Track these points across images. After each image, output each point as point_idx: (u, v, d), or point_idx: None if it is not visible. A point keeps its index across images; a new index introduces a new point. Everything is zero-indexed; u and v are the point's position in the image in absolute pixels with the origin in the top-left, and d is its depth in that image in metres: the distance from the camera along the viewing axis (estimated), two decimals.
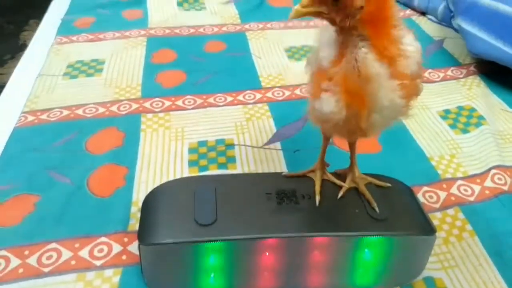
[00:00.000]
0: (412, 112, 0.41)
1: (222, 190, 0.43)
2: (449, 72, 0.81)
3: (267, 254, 0.40)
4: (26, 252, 0.46)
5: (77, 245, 0.47)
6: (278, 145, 0.62)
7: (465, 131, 0.66)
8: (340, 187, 0.45)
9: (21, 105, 0.69)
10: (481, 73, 0.80)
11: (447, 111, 0.70)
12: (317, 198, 0.43)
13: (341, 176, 0.47)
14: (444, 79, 0.79)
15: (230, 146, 0.62)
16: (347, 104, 0.35)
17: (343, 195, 0.44)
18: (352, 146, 0.47)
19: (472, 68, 0.82)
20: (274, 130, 0.65)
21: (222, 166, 0.58)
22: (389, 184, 0.46)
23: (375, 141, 0.64)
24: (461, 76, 0.80)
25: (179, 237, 0.39)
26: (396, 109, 0.37)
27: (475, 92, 0.75)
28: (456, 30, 0.91)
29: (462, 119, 0.68)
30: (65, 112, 0.67)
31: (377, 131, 0.40)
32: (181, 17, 0.99)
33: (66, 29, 0.92)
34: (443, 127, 0.67)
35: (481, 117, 0.68)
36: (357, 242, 0.40)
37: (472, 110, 0.70)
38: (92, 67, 0.79)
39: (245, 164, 0.59)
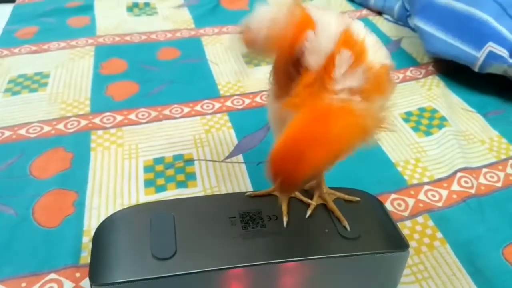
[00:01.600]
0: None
1: (181, 217, 0.40)
2: (408, 73, 0.80)
3: (235, 285, 0.36)
4: None
5: (23, 285, 0.42)
6: (240, 157, 0.59)
7: (428, 133, 0.65)
8: (308, 204, 0.42)
9: None
10: (440, 73, 0.80)
11: (408, 113, 0.69)
12: (284, 219, 0.40)
13: (309, 192, 0.44)
14: (403, 80, 0.78)
15: (189, 161, 0.58)
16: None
17: (311, 213, 0.41)
18: None
19: (430, 67, 0.82)
20: (236, 141, 0.62)
21: (181, 184, 0.55)
22: (358, 198, 0.43)
23: None
24: (420, 76, 0.79)
25: (135, 275, 0.35)
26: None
27: (435, 93, 0.74)
28: (413, 29, 0.91)
29: (424, 121, 0.68)
30: (7, 133, 0.61)
31: None
32: (131, 23, 0.94)
33: (7, 40, 0.86)
34: (406, 130, 0.66)
35: (443, 118, 0.68)
36: (330, 264, 0.38)
37: (434, 111, 0.70)
38: (36, 81, 0.73)
39: (206, 181, 0.55)
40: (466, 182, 0.56)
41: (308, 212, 0.41)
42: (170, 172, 0.56)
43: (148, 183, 0.54)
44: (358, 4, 1.06)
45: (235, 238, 0.38)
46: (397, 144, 0.63)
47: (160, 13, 0.99)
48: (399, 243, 0.40)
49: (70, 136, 0.61)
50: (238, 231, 0.39)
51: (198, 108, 0.68)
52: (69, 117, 0.65)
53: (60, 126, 0.63)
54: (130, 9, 1.00)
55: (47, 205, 0.51)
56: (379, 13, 1.02)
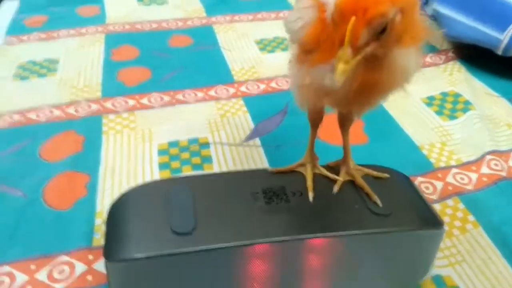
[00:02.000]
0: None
1: (200, 192, 0.37)
2: (427, 59, 0.78)
3: (259, 262, 0.34)
4: None
5: (33, 267, 0.40)
6: (257, 141, 0.57)
7: (452, 117, 0.63)
8: (335, 181, 0.40)
9: None
10: (461, 58, 0.77)
11: (431, 98, 0.67)
12: (310, 194, 0.37)
13: (334, 169, 0.42)
14: (423, 66, 0.76)
15: (205, 145, 0.56)
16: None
17: (339, 189, 0.39)
18: (345, 134, 0.42)
19: (450, 53, 0.79)
20: (252, 126, 0.60)
21: (197, 167, 0.52)
22: (387, 175, 0.41)
23: (360, 131, 0.60)
24: (440, 62, 0.77)
25: (153, 250, 0.32)
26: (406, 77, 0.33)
27: (456, 78, 0.72)
28: (430, 18, 0.88)
29: (448, 105, 0.65)
30: (16, 117, 0.59)
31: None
32: (141, 12, 0.92)
33: (17, 28, 0.84)
34: (429, 114, 0.63)
35: (467, 102, 0.65)
36: (361, 241, 0.35)
37: (457, 95, 0.67)
38: (44, 67, 0.71)
39: (222, 164, 0.53)
40: (496, 165, 0.53)
41: (335, 188, 0.39)
42: (185, 155, 0.54)
43: (163, 166, 0.52)
44: None
45: (259, 213, 0.36)
46: (421, 127, 0.61)
47: (171, 3, 0.97)
48: (433, 221, 0.37)
49: (81, 120, 0.59)
50: (261, 206, 0.36)
51: (212, 93, 0.66)
52: (80, 101, 0.63)
53: (71, 110, 0.61)
54: None
55: (58, 187, 0.49)
56: None
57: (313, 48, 0.32)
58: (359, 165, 0.42)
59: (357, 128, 0.60)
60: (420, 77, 0.70)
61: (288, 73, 0.38)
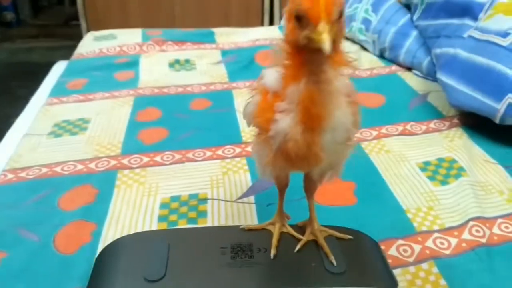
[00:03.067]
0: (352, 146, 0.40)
1: (176, 244, 0.42)
2: (431, 125, 0.81)
3: None
4: None
5: None
6: (252, 198, 0.62)
7: (444, 182, 0.65)
8: (299, 240, 0.43)
9: (4, 164, 0.70)
10: (464, 125, 0.80)
11: (426, 163, 0.69)
12: (272, 251, 0.41)
13: (302, 228, 0.45)
14: (426, 131, 0.79)
15: (203, 200, 0.61)
16: (302, 120, 0.35)
17: (301, 248, 0.42)
18: (310, 198, 0.46)
19: (455, 120, 0.82)
20: (250, 183, 0.65)
21: (192, 221, 0.57)
22: (350, 237, 0.44)
23: (350, 193, 0.63)
24: (444, 128, 0.80)
25: None
26: (345, 131, 0.37)
27: (456, 144, 0.74)
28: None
29: (442, 171, 0.67)
30: (44, 170, 0.68)
31: (328, 158, 0.38)
32: (171, 77, 1.02)
33: (59, 90, 0.96)
34: (421, 179, 0.66)
35: (461, 169, 0.67)
36: None
37: (453, 161, 0.69)
38: (77, 126, 0.81)
39: (215, 219, 0.58)
40: (477, 231, 0.55)
41: (298, 247, 0.42)
42: (184, 209, 0.60)
43: (162, 219, 0.58)
44: (388, 60, 1.09)
45: (223, 267, 0.40)
46: (411, 191, 0.63)
47: (198, 69, 1.07)
48: (387, 281, 0.40)
49: (98, 174, 0.67)
50: (227, 261, 0.40)
51: (219, 152, 0.72)
52: (101, 157, 0.71)
53: (92, 165, 0.69)
54: (171, 65, 1.08)
55: (67, 234, 0.55)
56: (409, 69, 1.04)
57: (266, 126, 0.37)
58: (327, 226, 0.46)
59: (348, 190, 0.63)
60: (420, 143, 0.74)
61: (252, 153, 0.44)
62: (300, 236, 0.44)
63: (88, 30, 2.03)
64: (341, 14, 0.33)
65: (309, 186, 0.46)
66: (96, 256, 0.43)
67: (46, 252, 0.52)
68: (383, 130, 0.79)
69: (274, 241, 0.43)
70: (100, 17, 2.31)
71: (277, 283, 0.39)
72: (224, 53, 1.15)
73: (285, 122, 0.36)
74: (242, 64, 1.08)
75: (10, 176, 0.67)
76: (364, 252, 0.43)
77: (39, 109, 0.88)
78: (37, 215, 0.59)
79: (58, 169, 0.68)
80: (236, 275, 0.39)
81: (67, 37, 3.00)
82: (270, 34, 1.27)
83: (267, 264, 0.40)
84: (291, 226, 0.46)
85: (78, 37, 1.77)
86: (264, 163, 0.41)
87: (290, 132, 0.36)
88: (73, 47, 1.27)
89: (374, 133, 0.78)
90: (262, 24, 2.37)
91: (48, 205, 0.60)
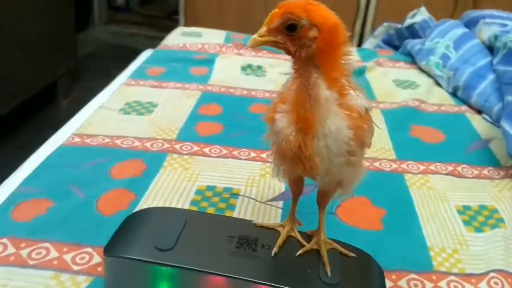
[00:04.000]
0: (363, 168, 0.43)
1: (192, 224, 0.47)
2: (485, 171, 0.78)
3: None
4: (23, 245, 0.52)
5: (65, 249, 0.52)
6: (280, 203, 0.65)
7: (478, 230, 0.63)
8: (304, 246, 0.46)
9: (74, 129, 0.79)
10: None
11: (466, 207, 0.68)
12: (274, 250, 0.44)
13: (310, 237, 0.48)
14: (477, 176, 0.77)
15: (235, 195, 0.65)
16: (295, 121, 0.39)
17: (302, 254, 0.45)
18: (320, 210, 0.48)
19: (511, 171, 0.78)
20: (283, 189, 0.68)
21: (219, 211, 0.61)
22: (353, 255, 0.46)
23: (379, 219, 0.64)
24: (497, 177, 0.77)
25: (132, 255, 0.42)
26: (341, 142, 0.39)
27: (504, 195, 0.71)
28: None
29: (480, 218, 0.66)
30: (106, 140, 0.76)
31: (323, 165, 0.41)
32: (240, 79, 1.07)
33: (139, 74, 1.05)
34: (456, 221, 0.65)
35: (500, 220, 0.65)
36: None
37: (494, 211, 0.67)
38: (145, 108, 0.88)
39: (241, 214, 0.61)
40: (496, 283, 0.53)
41: (299, 252, 0.45)
42: (215, 199, 0.64)
43: (194, 203, 0.63)
44: (460, 100, 1.06)
45: (226, 253, 0.43)
46: (440, 231, 0.62)
47: (268, 76, 1.11)
48: None
49: (151, 153, 0.73)
50: (231, 249, 0.44)
51: (263, 155, 0.76)
52: (157, 139, 0.78)
53: (148, 144, 0.76)
54: (244, 68, 1.14)
55: (110, 198, 0.62)
56: (479, 112, 1.01)
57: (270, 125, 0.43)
58: (334, 240, 0.48)
59: (377, 215, 0.64)
60: (467, 186, 0.72)
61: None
62: (304, 243, 0.46)
63: (185, 25, 2.18)
64: (291, 27, 0.37)
65: (320, 199, 0.48)
66: (123, 220, 0.48)
67: (88, 210, 0.59)
68: (432, 167, 0.78)
69: (279, 241, 0.45)
70: (198, 15, 2.45)
71: (270, 278, 0.41)
72: None
73: (282, 122, 0.40)
74: None
75: (77, 139, 0.75)
76: (363, 272, 0.45)
77: (117, 87, 0.97)
78: (90, 177, 0.66)
79: (118, 141, 0.76)
80: (235, 262, 0.42)
81: (166, 29, 3.21)
82: None
83: (266, 260, 0.43)
84: (300, 232, 0.48)
85: None
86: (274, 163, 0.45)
87: (284, 132, 0.39)
88: None
89: (422, 167, 0.77)
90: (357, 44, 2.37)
91: (101, 171, 0.68)
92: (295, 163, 0.41)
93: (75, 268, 0.50)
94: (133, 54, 1.28)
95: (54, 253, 0.52)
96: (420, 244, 0.60)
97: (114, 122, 0.82)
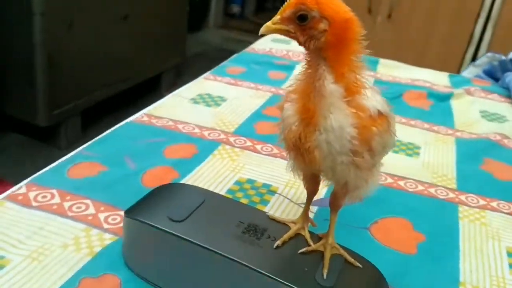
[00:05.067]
0: (374, 176, 0.42)
1: (209, 204, 0.49)
2: None
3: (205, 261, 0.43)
4: (68, 197, 0.59)
5: (102, 208, 0.58)
6: (314, 208, 0.64)
7: None
8: (310, 245, 0.45)
9: (148, 109, 0.86)
10: None
11: None
12: (277, 242, 0.44)
13: (320, 239, 0.47)
14: None
15: (272, 192, 0.66)
16: (299, 111, 0.39)
17: (305, 252, 0.45)
18: (332, 213, 0.48)
19: None
20: (321, 196, 0.67)
21: (252, 203, 0.63)
22: (359, 265, 0.44)
23: (414, 244, 0.60)
24: None
25: (146, 219, 0.45)
26: (344, 139, 0.38)
27: None
28: None
29: None
30: (170, 123, 0.81)
31: (325, 161, 0.40)
32: None
33: (219, 71, 1.10)
34: (502, 262, 0.59)
35: None
36: None
37: None
38: (214, 101, 0.93)
39: (272, 211, 0.62)
40: None
41: (303, 250, 0.45)
42: (252, 192, 0.65)
43: (230, 192, 0.65)
44: None
45: (230, 236, 0.45)
46: (480, 269, 0.57)
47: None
48: None
49: (206, 141, 0.77)
50: (237, 233, 0.45)
51: None
52: (216, 129, 0.81)
53: (205, 132, 0.80)
54: None
55: (155, 173, 0.66)
56: None
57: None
58: (344, 247, 0.47)
59: (414, 239, 0.61)
60: None
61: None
62: (311, 243, 0.46)
63: None
64: (302, 17, 0.37)
65: (332, 201, 0.47)
66: (152, 189, 0.52)
67: (134, 180, 0.64)
68: (494, 203, 0.72)
69: (285, 236, 0.46)
70: None
71: (265, 267, 0.41)
72: (378, 82, 1.16)
73: (289, 111, 0.40)
74: (388, 96, 1.08)
75: (145, 118, 0.82)
76: (363, 281, 0.43)
77: (197, 79, 1.04)
78: (144, 152, 0.71)
79: (180, 126, 0.81)
80: (235, 245, 0.43)
81: None
82: (434, 78, 1.23)
83: (267, 250, 0.44)
84: (312, 233, 0.48)
85: None
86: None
87: (288, 121, 0.40)
88: None
89: (482, 202, 0.72)
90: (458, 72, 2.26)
91: (156, 149, 0.73)
92: (296, 154, 0.41)
93: (106, 226, 0.55)
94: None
95: (91, 210, 0.57)
96: (452, 277, 0.56)
97: (182, 109, 0.88)
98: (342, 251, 0.45)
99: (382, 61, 1.31)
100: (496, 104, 1.14)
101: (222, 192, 0.64)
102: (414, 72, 1.25)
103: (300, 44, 0.40)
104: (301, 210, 0.63)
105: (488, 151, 0.88)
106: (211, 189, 0.65)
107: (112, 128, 0.78)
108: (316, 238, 0.47)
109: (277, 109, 0.45)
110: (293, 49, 1.29)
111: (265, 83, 1.06)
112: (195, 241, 0.43)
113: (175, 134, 0.78)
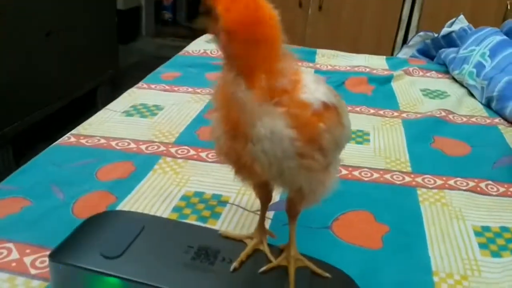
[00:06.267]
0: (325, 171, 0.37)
1: (149, 230, 0.42)
2: None
3: None
4: None
5: (27, 251, 0.49)
6: (271, 214, 0.59)
7: (496, 254, 0.55)
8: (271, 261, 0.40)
9: (77, 129, 0.77)
10: None
11: (485, 228, 0.59)
12: (234, 264, 0.39)
13: (281, 251, 0.42)
14: (502, 194, 0.68)
15: (223, 203, 0.60)
16: (223, 121, 0.34)
17: (266, 270, 0.39)
18: (290, 222, 0.43)
19: None
20: (276, 199, 0.62)
21: (202, 219, 0.57)
22: (327, 275, 0.40)
23: (379, 237, 0.57)
24: None
25: (76, 261, 0.38)
26: (285, 144, 0.33)
27: None
28: None
29: (500, 241, 0.57)
30: (102, 141, 0.73)
31: (270, 170, 0.35)
32: None
33: (153, 79, 1.03)
34: (470, 243, 0.56)
35: None
36: None
37: None
38: (150, 110, 0.86)
39: (226, 224, 0.56)
40: None
41: (263, 268, 0.39)
42: (201, 206, 0.59)
43: (176, 209, 0.58)
44: (493, 112, 0.96)
45: (178, 264, 0.39)
46: (450, 253, 0.55)
47: None
48: None
49: (143, 156, 0.70)
50: (185, 260, 0.39)
51: None
52: (154, 141, 0.74)
53: (143, 146, 0.73)
54: None
55: (88, 201, 0.59)
56: None
57: None
58: (307, 256, 0.42)
59: (377, 232, 0.57)
60: (489, 205, 0.64)
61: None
62: (272, 258, 0.40)
63: None
64: (206, 10, 0.33)
65: (289, 209, 0.42)
66: (80, 223, 0.45)
67: (63, 212, 0.56)
68: (451, 182, 0.70)
69: (243, 255, 0.40)
70: None
71: None
72: (318, 72, 1.13)
73: (214, 122, 0.36)
74: (331, 85, 1.05)
75: (72, 139, 0.73)
76: None
77: (128, 91, 0.96)
78: (74, 177, 0.63)
79: (113, 143, 0.73)
80: (184, 276, 0.38)
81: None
82: (372, 63, 1.22)
83: (223, 276, 0.38)
84: (271, 245, 0.43)
85: None
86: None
87: (215, 135, 0.36)
88: None
89: (439, 182, 0.69)
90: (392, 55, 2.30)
91: (87, 172, 0.65)
92: (236, 168, 0.36)
93: (33, 271, 0.47)
94: None
95: (15, 254, 0.49)
96: (424, 267, 0.52)
97: (113, 124, 0.80)
98: (307, 262, 0.40)
99: (319, 51, 1.29)
100: (435, 81, 1.14)
101: (168, 211, 0.58)
102: (352, 59, 1.23)
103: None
104: (257, 217, 0.57)
105: (436, 129, 0.87)
106: (154, 209, 0.58)
107: (37, 156, 0.69)
108: (277, 251, 0.42)
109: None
110: None
111: (204, 86, 1.00)
112: (134, 279, 0.36)
113: (108, 153, 0.70)
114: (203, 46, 1.28)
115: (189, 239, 0.42)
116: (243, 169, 0.36)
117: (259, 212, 0.58)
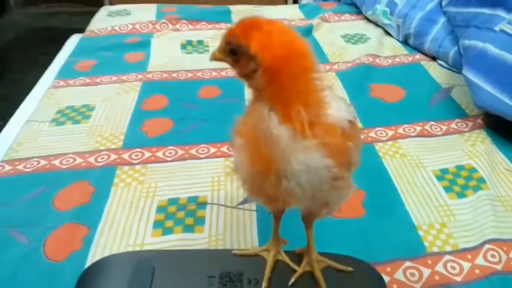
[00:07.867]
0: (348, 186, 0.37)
1: (161, 269, 0.40)
2: (453, 125, 0.75)
3: None
4: None
5: None
6: (253, 205, 0.58)
7: (461, 195, 0.60)
8: (295, 270, 0.40)
9: (2, 154, 0.68)
10: (488, 127, 0.74)
11: (444, 171, 0.65)
12: (264, 285, 0.38)
13: (299, 256, 0.42)
14: (446, 132, 0.74)
15: (202, 205, 0.58)
16: (252, 159, 0.33)
17: (296, 280, 0.39)
18: (308, 228, 0.43)
19: (478, 120, 0.76)
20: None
21: (188, 228, 0.55)
22: (350, 269, 0.41)
23: (359, 203, 0.59)
24: (466, 129, 0.74)
25: None
26: (321, 174, 0.33)
27: (478, 149, 0.69)
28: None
29: (460, 181, 0.63)
30: (42, 162, 0.66)
31: (305, 201, 0.36)
32: (182, 60, 0.98)
33: (67, 72, 0.93)
34: (437, 189, 0.61)
35: (481, 180, 0.62)
36: None
37: (473, 170, 0.64)
38: (81, 113, 0.78)
39: (213, 227, 0.55)
40: (493, 256, 0.51)
41: (292, 280, 0.39)
42: (181, 214, 0.57)
43: (157, 225, 0.55)
44: (412, 48, 1.02)
45: None
46: (424, 204, 0.59)
47: (212, 51, 1.02)
48: None
49: (97, 170, 0.64)
50: None
51: (224, 149, 0.69)
52: (102, 150, 0.68)
53: (91, 159, 0.67)
54: (183, 46, 1.04)
55: (58, 238, 0.53)
56: (434, 58, 0.97)
57: None
58: (324, 254, 0.42)
59: (356, 199, 0.60)
60: (439, 146, 0.69)
61: None
62: (295, 267, 0.40)
63: None
64: (233, 51, 0.33)
65: (306, 218, 0.42)
66: (78, 278, 0.41)
67: (35, 258, 0.51)
68: (400, 130, 0.74)
69: (267, 271, 0.40)
70: None
71: None
72: None
73: (240, 159, 0.35)
74: None
75: (7, 168, 0.65)
76: (363, 282, 0.40)
77: (44, 93, 0.85)
78: (31, 214, 0.57)
79: (56, 162, 0.66)
80: None
81: (89, 3, 2.96)
82: (290, 14, 1.21)
83: None
84: (287, 252, 0.43)
85: (100, 3, 1.74)
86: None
87: (243, 173, 0.35)
88: (95, 13, 1.23)
89: (390, 133, 0.73)
90: (286, 3, 2.28)
91: (43, 204, 0.58)
92: (265, 201, 0.35)
93: None
94: (59, 35, 1.15)
95: None
96: (407, 224, 0.56)
97: (47, 138, 0.72)
98: (329, 262, 0.41)
99: (234, 8, 1.24)
100: (351, 24, 1.17)
101: (149, 229, 0.55)
102: (270, 13, 1.21)
103: (240, 77, 0.33)
104: (241, 213, 0.57)
105: (369, 77, 0.90)
106: (134, 231, 0.55)
107: None
108: (295, 256, 0.42)
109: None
110: (138, 20, 1.15)
111: (127, 70, 0.92)
112: None
113: (56, 175, 0.63)
114: (107, 22, 1.17)
115: (206, 268, 0.40)
116: (275, 202, 0.35)
117: (242, 208, 0.58)
